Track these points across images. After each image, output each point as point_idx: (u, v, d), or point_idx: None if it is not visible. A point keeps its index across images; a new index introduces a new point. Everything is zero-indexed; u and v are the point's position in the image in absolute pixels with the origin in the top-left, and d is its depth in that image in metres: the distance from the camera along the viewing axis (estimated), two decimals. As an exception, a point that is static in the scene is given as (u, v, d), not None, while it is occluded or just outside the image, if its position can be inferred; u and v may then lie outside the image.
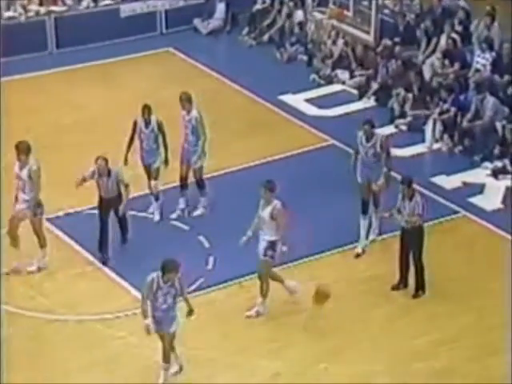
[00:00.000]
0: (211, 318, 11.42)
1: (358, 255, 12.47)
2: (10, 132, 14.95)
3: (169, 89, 16.47)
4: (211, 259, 12.39)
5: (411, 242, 11.64)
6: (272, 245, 11.05)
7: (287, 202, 13.36)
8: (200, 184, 13.15)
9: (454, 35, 16.15)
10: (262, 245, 11.09)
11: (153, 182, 12.93)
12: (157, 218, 13.05)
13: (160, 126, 12.74)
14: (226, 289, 11.79)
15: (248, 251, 12.25)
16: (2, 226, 12.24)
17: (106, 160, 11.95)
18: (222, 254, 12.32)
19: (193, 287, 11.82)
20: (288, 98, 16.35)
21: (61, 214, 13.14)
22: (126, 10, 18.31)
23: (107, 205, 12.21)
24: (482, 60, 15.67)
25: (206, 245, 12.69)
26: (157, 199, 13.05)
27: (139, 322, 11.07)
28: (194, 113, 12.83)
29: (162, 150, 12.77)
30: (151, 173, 12.96)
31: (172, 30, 18.56)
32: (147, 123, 12.71)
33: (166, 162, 12.89)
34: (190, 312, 10.16)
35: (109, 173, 11.98)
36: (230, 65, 17.50)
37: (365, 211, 12.50)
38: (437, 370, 10.66)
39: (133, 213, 13.08)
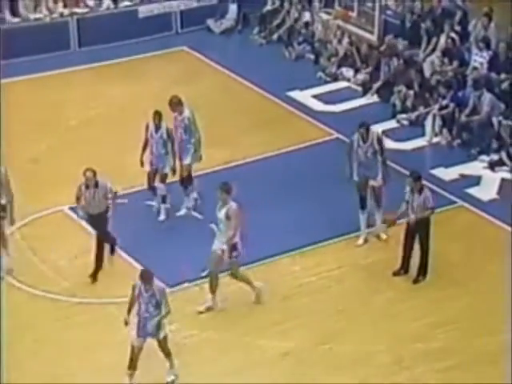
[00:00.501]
0: (222, 301, 11.44)
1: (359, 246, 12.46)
2: (36, 125, 15.05)
3: (184, 85, 16.48)
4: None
5: (418, 229, 11.60)
6: (234, 247, 10.98)
7: (294, 192, 13.49)
8: (186, 182, 12.93)
9: (453, 35, 16.07)
10: (227, 248, 10.93)
11: (160, 185, 12.72)
12: (162, 217, 12.83)
13: (169, 134, 12.56)
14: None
15: (258, 239, 12.32)
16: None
17: (94, 172, 11.46)
18: (234, 241, 12.34)
19: (206, 273, 11.87)
20: (296, 94, 16.31)
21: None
22: (143, 10, 18.30)
23: (94, 223, 11.67)
24: (479, 58, 15.59)
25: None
26: (164, 201, 12.80)
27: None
28: (186, 113, 12.71)
29: (170, 156, 12.57)
30: (158, 176, 12.66)
31: (187, 30, 18.53)
32: (157, 129, 12.53)
33: (174, 170, 12.70)
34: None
35: (96, 185, 11.49)
36: (241, 62, 17.47)
37: (363, 206, 12.41)
38: (435, 349, 10.68)
39: (148, 202, 13.11)
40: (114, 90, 16.34)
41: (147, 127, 12.64)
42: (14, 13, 17.60)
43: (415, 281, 11.80)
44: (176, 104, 12.71)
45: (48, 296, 11.50)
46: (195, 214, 13.11)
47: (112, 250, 12.01)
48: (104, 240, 11.80)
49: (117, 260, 12.15)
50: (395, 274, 11.89)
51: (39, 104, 15.79)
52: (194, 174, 13.25)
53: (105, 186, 11.55)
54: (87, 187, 11.53)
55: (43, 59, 17.10)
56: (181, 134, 12.76)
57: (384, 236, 12.43)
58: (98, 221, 11.65)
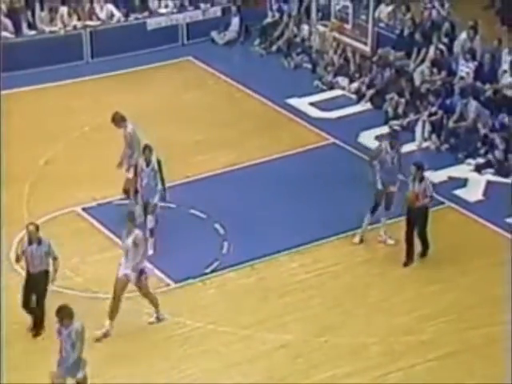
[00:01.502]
0: (226, 296, 11.34)
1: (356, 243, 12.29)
2: (50, 130, 14.94)
3: (189, 93, 16.40)
4: (226, 244, 12.28)
5: (417, 217, 11.52)
6: (142, 271, 10.52)
7: (292, 193, 13.38)
8: (127, 193, 12.35)
9: (441, 46, 15.99)
10: (133, 273, 10.44)
11: (149, 217, 11.85)
12: (151, 252, 11.66)
13: (159, 164, 11.96)
14: (238, 270, 11.69)
15: (258, 238, 12.22)
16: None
17: (37, 227, 10.23)
18: (236, 239, 12.22)
19: (209, 269, 11.76)
20: (294, 102, 16.18)
21: (94, 204, 13.04)
22: (152, 23, 18.20)
23: (33, 283, 10.27)
24: (465, 68, 15.49)
25: (221, 232, 12.57)
26: (152, 235, 11.86)
27: (163, 300, 11.04)
28: (129, 128, 12.28)
29: (160, 187, 11.93)
30: (148, 208, 11.88)
31: (192, 41, 18.41)
32: (148, 162, 11.77)
33: (164, 198, 12.11)
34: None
35: (39, 242, 10.21)
36: (243, 72, 17.34)
37: (374, 211, 12.08)
38: (425, 341, 10.58)
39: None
40: (124, 98, 16.20)
41: (136, 164, 11.94)
42: (31, 26, 17.52)
43: (422, 254, 11.70)
44: (119, 120, 12.28)
45: (62, 291, 11.34)
46: (199, 213, 12.85)
47: (39, 326, 10.46)
48: (39, 305, 10.32)
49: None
50: (405, 265, 11.74)
51: (54, 111, 15.69)
52: (201, 176, 13.12)
53: (48, 243, 10.32)
54: (30, 243, 10.27)
55: (58, 69, 16.98)
56: (125, 148, 12.32)
57: (391, 241, 12.19)
58: (37, 281, 10.34)
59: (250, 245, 12.07)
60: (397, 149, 12.06)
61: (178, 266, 11.70)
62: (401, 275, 11.76)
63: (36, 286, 10.37)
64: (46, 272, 10.37)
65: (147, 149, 11.87)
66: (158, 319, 10.84)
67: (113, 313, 10.65)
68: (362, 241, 12.29)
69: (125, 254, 10.58)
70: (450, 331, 10.73)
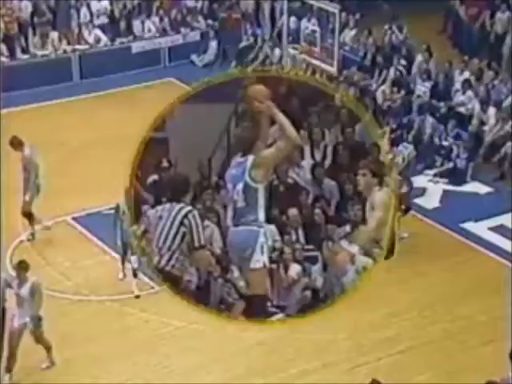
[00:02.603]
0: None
1: None
2: (43, 145, 14.83)
3: (171, 111, 16.37)
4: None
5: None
6: (38, 320, 9.66)
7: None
8: (26, 215, 11.88)
9: (401, 67, 16.16)
10: (29, 324, 9.53)
11: (132, 258, 11.15)
12: (136, 265, 11.10)
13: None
14: (218, 273, 11.64)
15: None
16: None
17: None
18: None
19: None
20: (268, 118, 16.23)
21: (84, 213, 12.97)
22: (136, 47, 18.22)
23: None
24: (422, 87, 15.67)
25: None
26: (135, 276, 11.19)
27: (150, 302, 11.00)
28: (27, 152, 11.72)
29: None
30: (127, 250, 11.13)
31: (173, 64, 18.44)
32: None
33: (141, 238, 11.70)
34: None
35: None
36: (221, 92, 17.38)
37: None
38: (389, 337, 10.65)
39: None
40: (110, 116, 16.19)
41: (117, 207, 11.05)
42: (24, 50, 17.48)
43: (386, 258, 11.73)
44: (16, 144, 11.82)
45: (54, 294, 11.26)
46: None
47: None
48: None
49: (114, 262, 11.93)
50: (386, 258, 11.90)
51: (46, 128, 15.59)
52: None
53: (4, 278, 9.69)
54: None
55: (50, 90, 16.91)
56: (24, 172, 11.91)
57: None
58: None
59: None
60: None
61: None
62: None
63: None
64: (3, 309, 9.61)
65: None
66: (52, 363, 9.91)
67: (10, 364, 9.54)
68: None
69: (18, 304, 9.47)
70: (411, 327, 10.81)
